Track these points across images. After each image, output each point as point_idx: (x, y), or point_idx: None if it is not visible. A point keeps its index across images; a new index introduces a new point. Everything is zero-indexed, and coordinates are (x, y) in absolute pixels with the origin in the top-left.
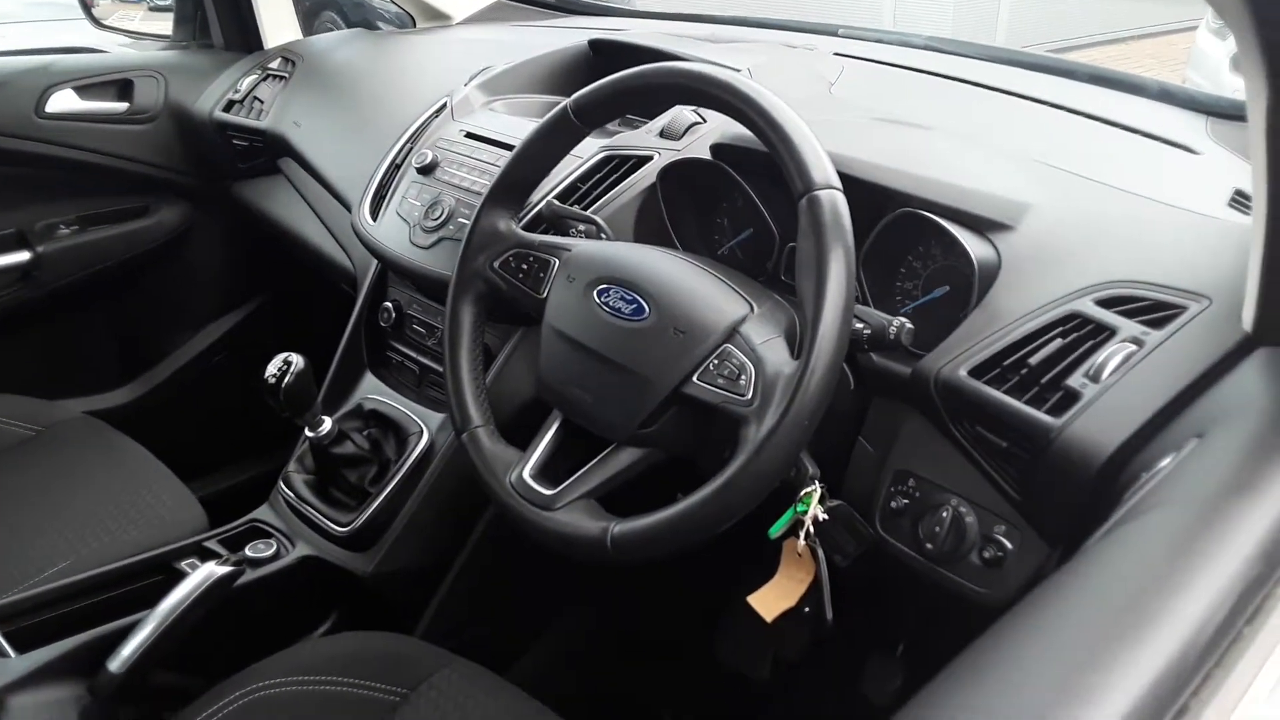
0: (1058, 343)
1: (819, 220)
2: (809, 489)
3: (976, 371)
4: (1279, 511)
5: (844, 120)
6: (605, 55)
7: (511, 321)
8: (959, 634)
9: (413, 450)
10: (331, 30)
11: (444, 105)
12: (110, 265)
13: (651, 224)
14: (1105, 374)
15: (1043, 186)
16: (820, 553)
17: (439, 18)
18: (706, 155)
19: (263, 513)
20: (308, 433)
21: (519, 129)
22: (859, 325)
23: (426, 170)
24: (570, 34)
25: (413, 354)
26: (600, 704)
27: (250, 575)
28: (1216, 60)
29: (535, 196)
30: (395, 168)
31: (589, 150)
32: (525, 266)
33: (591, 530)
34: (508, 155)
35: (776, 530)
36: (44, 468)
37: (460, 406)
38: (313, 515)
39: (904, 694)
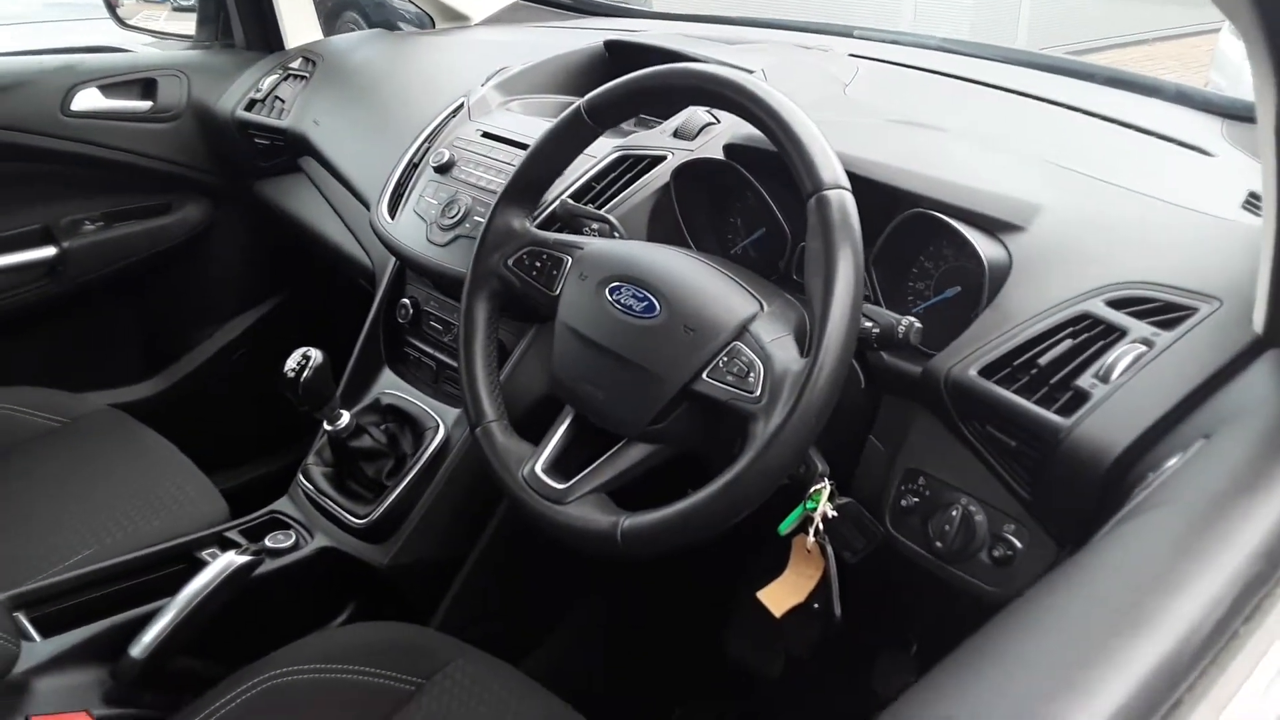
0: (1068, 343)
1: (827, 220)
2: (818, 486)
3: (986, 371)
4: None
5: (856, 121)
6: (620, 56)
7: (525, 319)
8: (970, 632)
9: (429, 444)
10: (353, 30)
11: (461, 105)
12: (134, 261)
13: (665, 223)
14: (1115, 374)
15: (1055, 187)
16: (829, 549)
17: (457, 18)
18: (719, 155)
19: (282, 504)
20: (326, 426)
21: (535, 128)
22: (868, 324)
23: (443, 169)
24: (586, 35)
25: (430, 350)
26: (612, 698)
27: (269, 565)
28: (1239, 63)
29: (550, 195)
30: (413, 167)
31: (603, 150)
32: (539, 264)
33: (602, 524)
34: (523, 154)
35: (786, 527)
36: (69, 458)
37: (474, 401)
38: (331, 507)
39: None
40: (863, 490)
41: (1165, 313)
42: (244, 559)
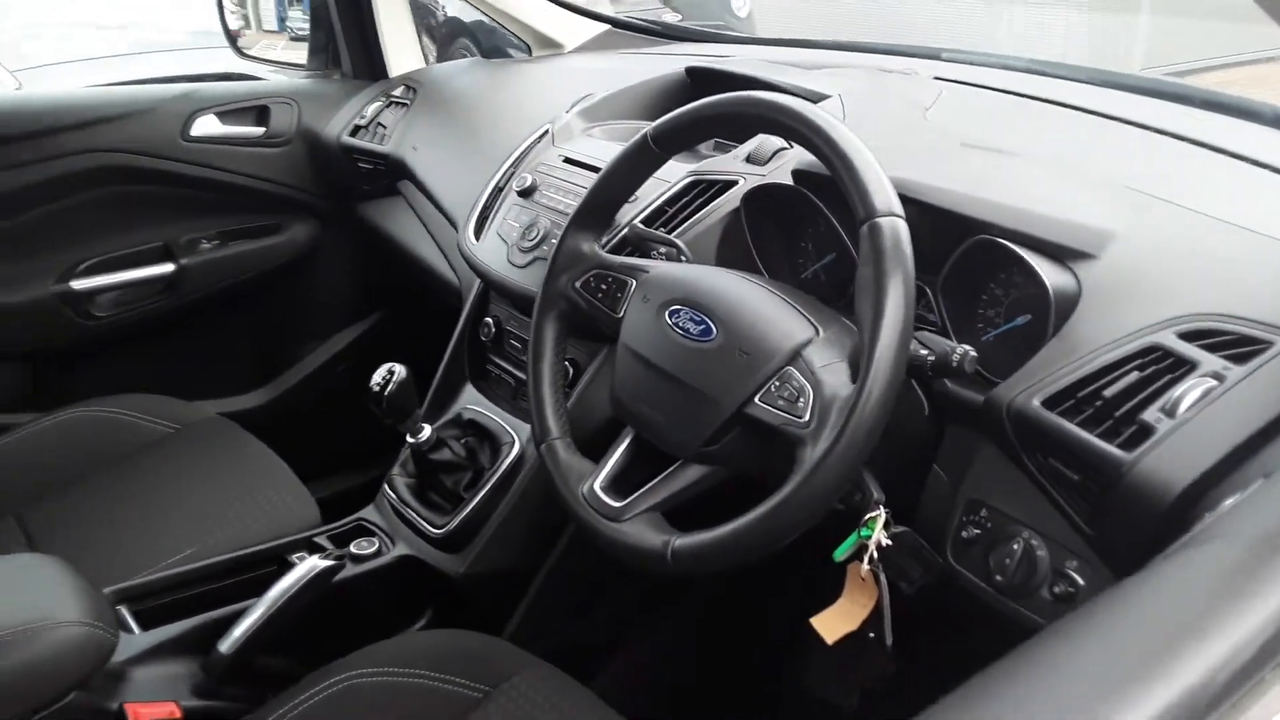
0: (1134, 375)
1: (879, 247)
2: (873, 514)
3: (1050, 402)
4: None
5: (929, 145)
6: (701, 82)
7: (597, 339)
8: None
9: (505, 459)
10: (465, 56)
11: (547, 131)
12: (246, 278)
13: (735, 247)
14: (1181, 409)
15: (1132, 214)
16: (883, 578)
17: (552, 46)
18: (789, 181)
19: (368, 512)
20: (408, 439)
21: (614, 154)
22: (923, 352)
23: (526, 193)
24: (673, 61)
25: (510, 368)
26: None
27: (352, 570)
28: None
29: (623, 219)
30: (498, 191)
31: (676, 175)
32: (604, 286)
33: (654, 542)
34: None
35: (841, 554)
36: (179, 462)
37: (540, 419)
38: (412, 517)
39: None
40: (926, 520)
41: (1239, 346)
42: (326, 563)
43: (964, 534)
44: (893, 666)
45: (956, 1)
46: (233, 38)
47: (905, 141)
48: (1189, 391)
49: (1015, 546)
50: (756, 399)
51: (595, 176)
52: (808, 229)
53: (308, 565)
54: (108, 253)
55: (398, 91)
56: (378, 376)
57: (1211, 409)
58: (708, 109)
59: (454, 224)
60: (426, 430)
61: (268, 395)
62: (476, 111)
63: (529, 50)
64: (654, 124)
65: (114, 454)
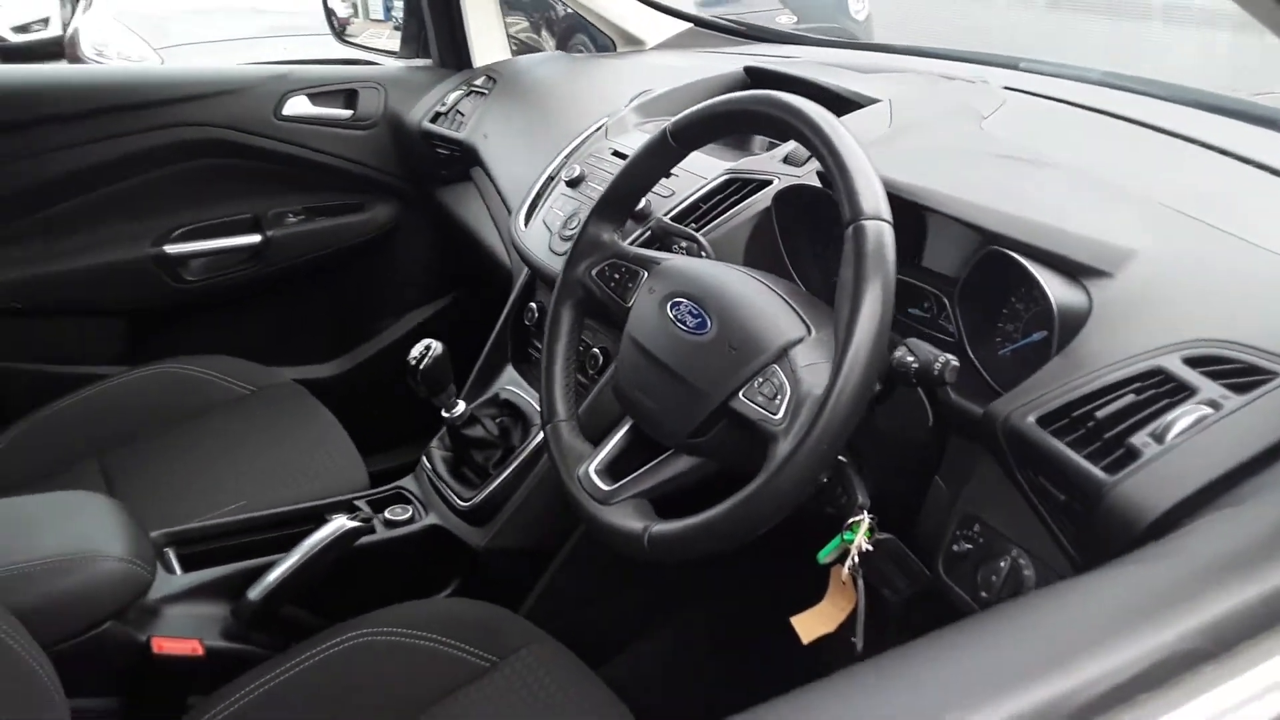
0: (1130, 398)
1: (861, 250)
2: (856, 518)
3: (1045, 420)
4: (1257, 594)
5: (969, 155)
6: (759, 81)
7: (615, 326)
8: None
9: (534, 439)
10: (582, 51)
11: (603, 124)
12: (327, 253)
13: (764, 247)
14: (1170, 435)
15: (1159, 234)
16: (860, 583)
17: (635, 43)
18: (819, 183)
19: (407, 482)
20: (443, 414)
21: None
22: (909, 359)
23: (574, 183)
24: (743, 61)
25: None
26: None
27: (384, 534)
28: None
29: (659, 211)
30: (550, 180)
31: (714, 172)
32: (617, 276)
33: (634, 528)
34: None
35: (824, 555)
36: (249, 422)
37: (549, 401)
38: (443, 489)
39: None
40: (924, 530)
41: (1243, 375)
42: (352, 524)
43: (955, 547)
44: None
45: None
46: (338, 24)
47: (946, 149)
48: (1181, 418)
49: (1003, 564)
50: (740, 394)
51: None
52: (836, 232)
53: (335, 524)
54: (200, 221)
55: (479, 81)
56: (416, 351)
57: (1200, 437)
58: (721, 106)
59: (510, 210)
60: (460, 406)
61: (341, 366)
62: (547, 103)
63: (614, 47)
64: (673, 119)
65: (192, 409)
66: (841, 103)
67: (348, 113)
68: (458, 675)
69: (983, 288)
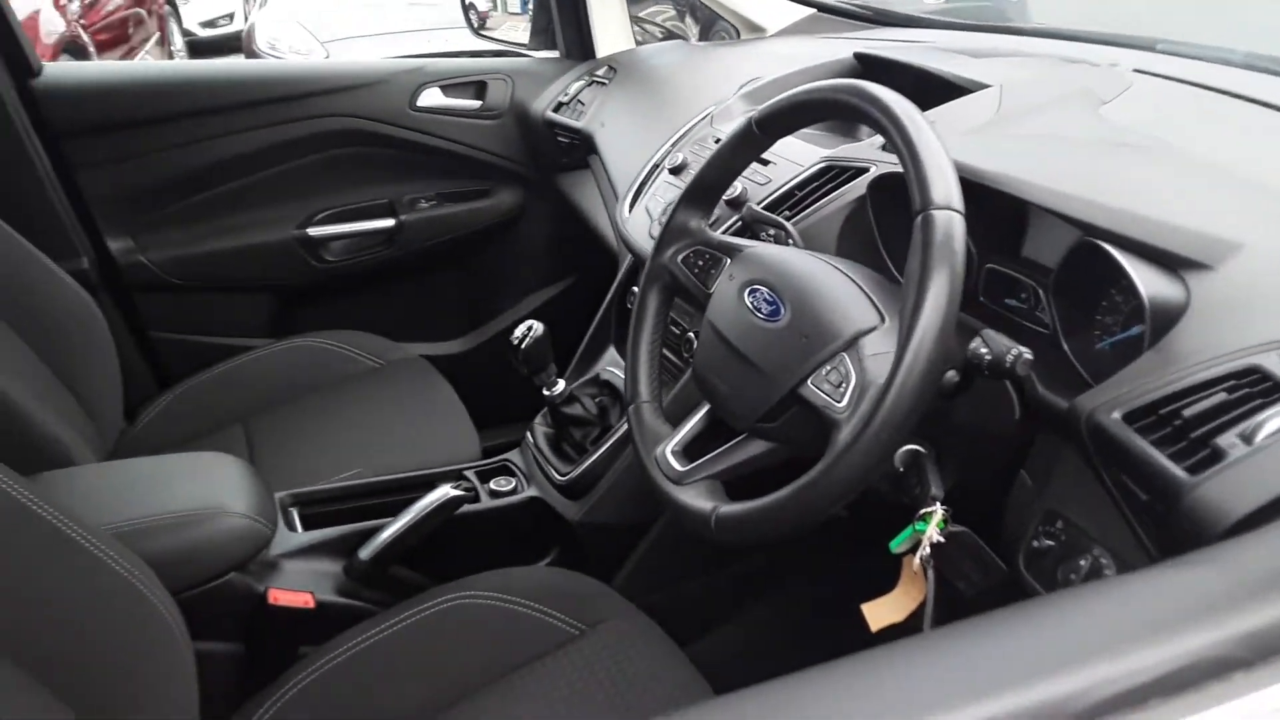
0: (1221, 397)
1: (929, 239)
2: (929, 509)
3: (1131, 416)
4: None
5: (1077, 141)
6: (869, 67)
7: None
8: None
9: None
10: (723, 39)
11: (709, 112)
12: (456, 237)
13: (857, 235)
14: (1260, 436)
15: (1272, 227)
16: (930, 574)
17: (757, 30)
18: None
19: (514, 455)
20: (544, 392)
21: None
22: (983, 350)
23: (677, 171)
24: (859, 46)
25: None
26: None
27: (488, 503)
28: None
29: (755, 198)
30: (655, 167)
31: (811, 159)
32: (701, 263)
33: (702, 508)
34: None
35: (896, 545)
36: (376, 394)
37: (633, 382)
38: (544, 463)
39: None
40: (1007, 525)
41: None
42: (455, 492)
43: (1036, 543)
44: None
45: None
46: (478, 18)
47: (1052, 136)
48: (1272, 419)
49: (1084, 563)
50: (809, 381)
51: None
52: None
53: (439, 492)
54: (340, 205)
55: (601, 71)
56: (519, 331)
57: None
58: (802, 95)
59: (618, 197)
60: (560, 384)
61: (466, 344)
62: (660, 91)
63: (736, 34)
64: (758, 108)
65: (326, 380)
66: (950, 88)
67: (477, 103)
68: (547, 641)
69: (1079, 280)
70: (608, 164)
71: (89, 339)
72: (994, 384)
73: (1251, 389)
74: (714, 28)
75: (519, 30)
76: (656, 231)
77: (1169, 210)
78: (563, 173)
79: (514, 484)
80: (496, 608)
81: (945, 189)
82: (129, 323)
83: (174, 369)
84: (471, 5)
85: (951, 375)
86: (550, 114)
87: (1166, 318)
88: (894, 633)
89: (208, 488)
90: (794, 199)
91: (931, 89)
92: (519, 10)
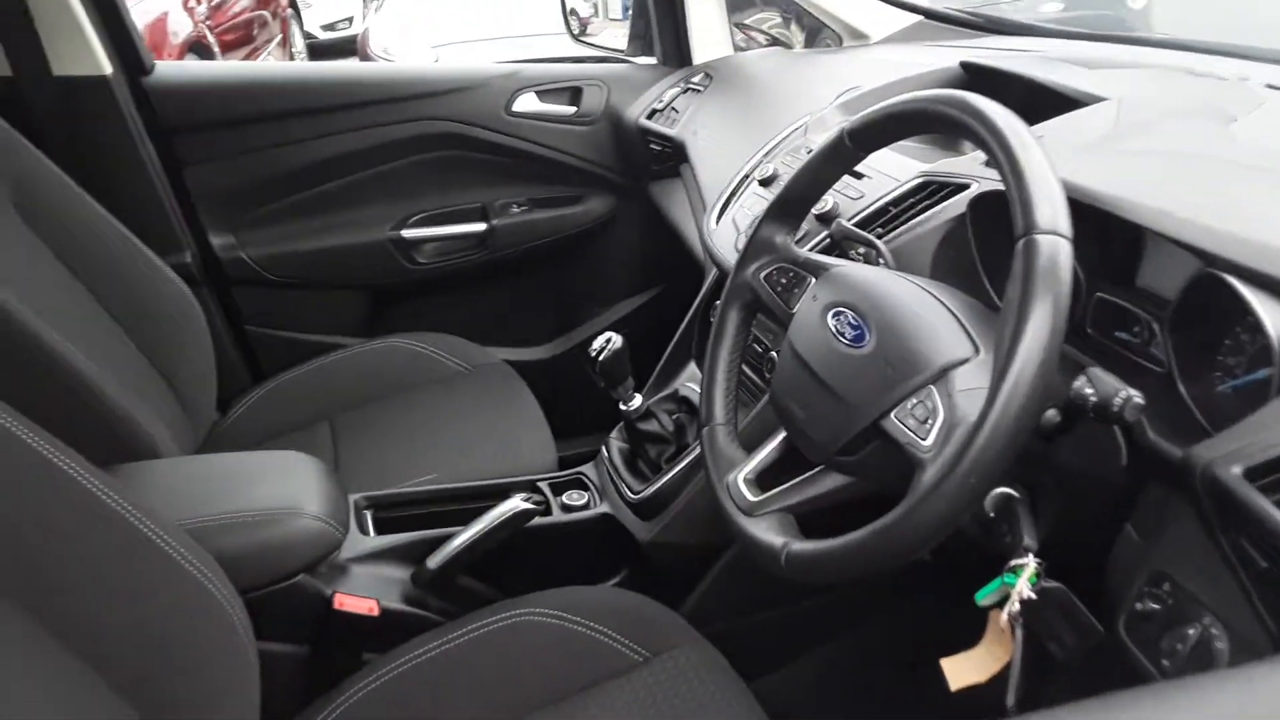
0: None
1: (1030, 266)
2: (1020, 561)
3: (1254, 473)
4: None
5: (1201, 162)
6: (977, 77)
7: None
8: None
9: None
10: (828, 46)
11: (804, 122)
12: (546, 242)
13: (955, 257)
14: None
15: None
16: (1019, 633)
17: (860, 37)
18: None
19: (588, 468)
20: (621, 406)
21: None
22: (1088, 390)
23: (766, 182)
24: (965, 55)
25: None
26: None
27: (559, 517)
28: None
29: (847, 214)
30: (744, 178)
31: (908, 174)
32: (784, 280)
33: (773, 543)
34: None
35: (983, 597)
36: (459, 398)
37: (708, 402)
38: (617, 479)
39: None
40: (1111, 584)
41: None
42: (525, 506)
43: (1139, 605)
44: None
45: None
46: (579, 24)
47: (1175, 155)
48: None
49: (1192, 632)
50: (892, 414)
51: None
52: None
53: (509, 504)
54: (434, 208)
55: (697, 79)
56: (597, 343)
57: None
58: (898, 106)
59: (706, 207)
60: (637, 399)
61: (551, 351)
62: (758, 100)
63: (839, 41)
64: (850, 120)
65: (412, 381)
66: (1063, 101)
67: (571, 109)
68: (610, 666)
69: (1200, 315)
70: (698, 173)
71: (187, 331)
72: (1099, 426)
73: None
74: (819, 35)
75: (619, 36)
76: (742, 245)
77: None
78: (654, 181)
79: (586, 499)
80: (561, 627)
81: (1051, 211)
82: (227, 317)
83: (268, 363)
84: (573, 11)
85: (1052, 415)
86: (644, 121)
87: None
88: (974, 695)
89: (283, 488)
90: (887, 215)
91: (1043, 101)
92: (620, 16)
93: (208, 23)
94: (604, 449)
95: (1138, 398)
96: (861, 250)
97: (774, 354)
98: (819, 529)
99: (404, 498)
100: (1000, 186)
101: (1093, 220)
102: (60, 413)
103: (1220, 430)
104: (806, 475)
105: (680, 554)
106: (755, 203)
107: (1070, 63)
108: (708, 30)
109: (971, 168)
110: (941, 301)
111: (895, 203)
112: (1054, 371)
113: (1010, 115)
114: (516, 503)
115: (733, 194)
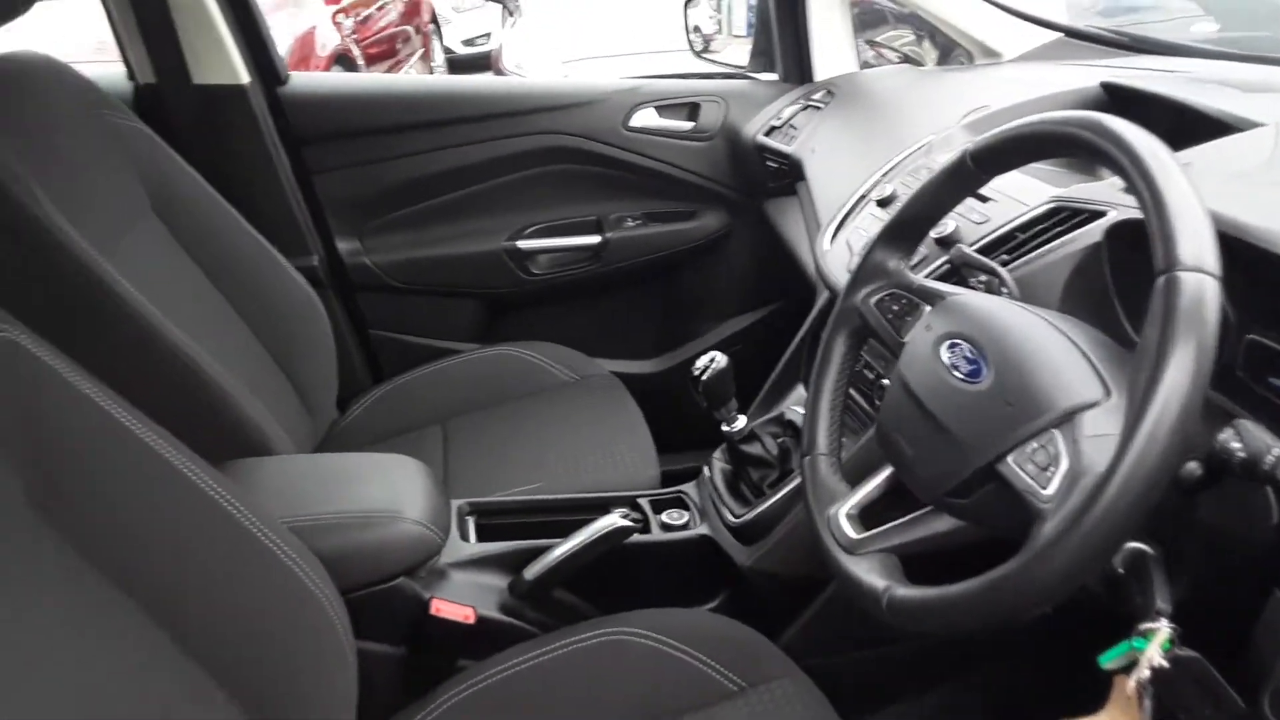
0: None
1: (1172, 306)
2: (1152, 625)
3: None
4: None
5: None
6: (1120, 100)
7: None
8: None
9: None
10: (961, 64)
11: (927, 142)
12: (659, 257)
13: (1088, 289)
14: None
15: None
16: (1148, 703)
17: (992, 55)
18: None
19: (690, 487)
20: (724, 427)
21: None
22: (1234, 445)
23: (884, 203)
24: (1112, 75)
25: None
26: None
27: (658, 536)
28: None
29: (968, 239)
30: (862, 198)
31: (1038, 198)
32: (896, 308)
33: (875, 585)
34: None
35: (1107, 660)
36: (566, 409)
37: (811, 431)
38: (718, 502)
39: None
40: (1255, 655)
41: None
42: (622, 523)
43: None
44: None
45: None
46: (701, 41)
47: None
48: None
49: None
50: (1009, 457)
51: None
52: None
53: (607, 520)
54: (550, 220)
55: (817, 95)
56: (701, 362)
57: None
58: (1027, 128)
59: (820, 226)
60: (741, 421)
61: (659, 365)
62: (880, 118)
63: (970, 59)
64: (974, 141)
65: (523, 390)
66: (1213, 126)
67: (689, 125)
68: (704, 694)
69: None
70: (814, 191)
71: (311, 332)
72: (1246, 482)
73: None
74: (952, 54)
75: (742, 52)
76: (854, 267)
77: None
78: (770, 198)
79: (686, 518)
80: (656, 650)
81: (1196, 247)
82: (350, 319)
83: (386, 366)
84: (696, 28)
85: (1193, 468)
86: (761, 138)
87: None
88: None
89: (388, 491)
90: (1014, 242)
91: (1191, 126)
92: (743, 33)
93: (354, 37)
94: (706, 469)
95: None
96: (983, 278)
97: (885, 381)
98: (925, 571)
99: (506, 506)
100: (1140, 215)
101: (1245, 256)
102: (177, 407)
103: None
104: (914, 515)
105: (780, 581)
106: (871, 224)
107: (1223, 85)
108: (831, 46)
109: (1109, 193)
110: (1069, 337)
111: (1023, 228)
112: (1195, 421)
113: (1151, 138)
114: (615, 519)
115: (848, 214)
